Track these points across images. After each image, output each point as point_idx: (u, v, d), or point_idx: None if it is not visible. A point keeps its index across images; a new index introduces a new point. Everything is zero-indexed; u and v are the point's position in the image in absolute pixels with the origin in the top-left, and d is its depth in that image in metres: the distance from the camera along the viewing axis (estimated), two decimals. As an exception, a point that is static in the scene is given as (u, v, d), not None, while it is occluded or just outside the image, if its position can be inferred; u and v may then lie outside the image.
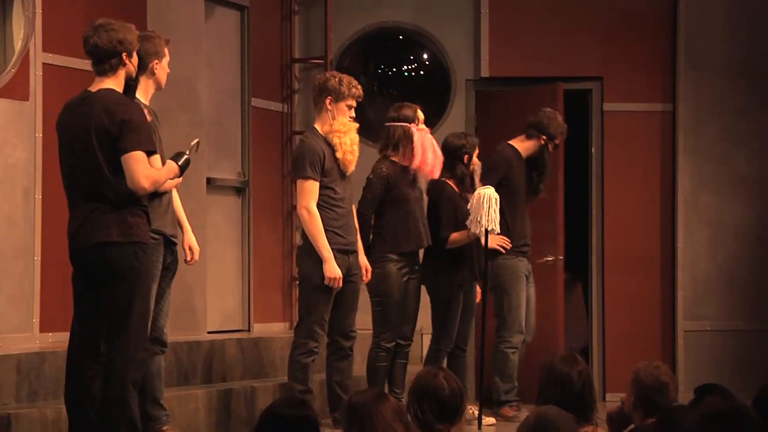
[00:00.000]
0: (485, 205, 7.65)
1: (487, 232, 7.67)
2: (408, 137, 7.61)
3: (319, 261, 7.02)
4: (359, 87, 7.23)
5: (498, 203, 7.69)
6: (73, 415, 5.72)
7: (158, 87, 6.44)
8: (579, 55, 9.66)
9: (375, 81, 9.72)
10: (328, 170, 7.07)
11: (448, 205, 7.84)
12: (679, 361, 9.52)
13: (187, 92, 8.19)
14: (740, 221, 9.69)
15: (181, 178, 6.00)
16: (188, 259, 6.55)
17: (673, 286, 9.63)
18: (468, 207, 7.73)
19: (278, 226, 9.31)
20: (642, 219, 9.67)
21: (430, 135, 7.73)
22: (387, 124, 7.71)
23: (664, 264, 9.66)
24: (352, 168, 7.18)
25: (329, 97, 7.15)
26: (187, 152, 5.94)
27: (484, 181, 8.10)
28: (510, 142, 8.40)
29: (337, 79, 7.20)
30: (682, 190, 9.64)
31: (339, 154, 7.11)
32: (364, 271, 7.35)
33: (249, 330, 8.92)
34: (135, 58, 5.85)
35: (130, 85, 5.90)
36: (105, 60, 5.75)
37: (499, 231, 7.76)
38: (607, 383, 9.57)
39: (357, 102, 7.24)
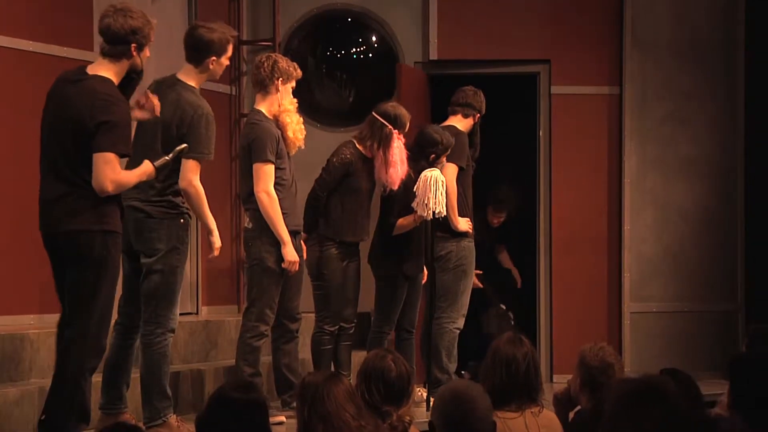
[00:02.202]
0: (432, 188, 7.63)
1: (434, 214, 7.67)
2: (389, 142, 7.58)
3: (271, 244, 7.01)
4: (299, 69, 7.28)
5: (444, 185, 7.70)
6: None
7: (211, 79, 6.58)
8: (527, 37, 9.69)
9: (323, 63, 9.69)
10: (280, 152, 7.08)
11: (403, 192, 7.80)
12: (625, 343, 9.59)
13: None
14: (686, 203, 9.77)
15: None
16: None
17: (620, 268, 9.70)
18: (414, 189, 7.72)
19: (226, 209, 9.28)
20: (589, 201, 9.72)
21: (403, 147, 7.71)
22: (378, 117, 7.66)
23: (611, 246, 9.73)
24: (298, 146, 7.19)
25: (281, 78, 7.14)
26: (169, 156, 5.91)
27: (459, 163, 8.11)
28: (451, 123, 8.38)
29: (285, 61, 7.21)
30: (628, 172, 9.71)
31: (290, 133, 7.12)
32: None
33: (197, 313, 8.90)
34: (146, 53, 5.78)
35: (133, 78, 5.84)
36: (113, 43, 5.68)
37: (445, 213, 7.78)
38: (554, 365, 9.63)
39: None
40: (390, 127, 7.62)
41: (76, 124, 5.57)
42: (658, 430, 3.60)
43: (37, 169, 7.50)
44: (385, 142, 7.60)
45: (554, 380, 9.47)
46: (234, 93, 9.41)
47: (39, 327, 7.14)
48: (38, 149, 7.52)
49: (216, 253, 6.50)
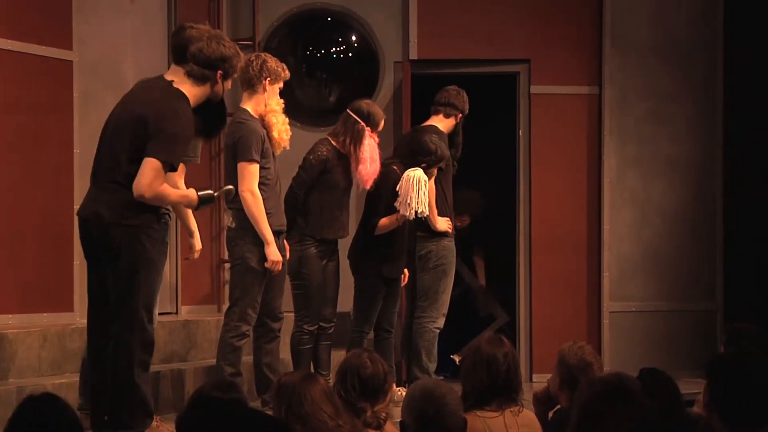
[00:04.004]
0: (415, 187, 7.65)
1: (416, 214, 7.68)
2: (360, 139, 7.59)
3: (254, 244, 7.00)
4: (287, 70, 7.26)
5: (427, 185, 7.72)
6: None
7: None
8: (507, 37, 9.70)
9: (303, 62, 9.68)
10: (265, 151, 7.07)
11: (389, 193, 7.80)
12: (605, 342, 9.61)
13: (112, 72, 8.11)
14: (665, 202, 9.79)
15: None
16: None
17: (599, 268, 9.72)
18: (396, 189, 7.73)
19: (206, 208, 9.26)
20: (569, 200, 9.74)
21: (376, 145, 7.71)
22: (351, 113, 7.66)
23: (591, 245, 9.74)
24: (283, 146, 7.19)
25: (268, 78, 7.13)
26: (216, 192, 5.96)
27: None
28: (432, 123, 8.39)
29: (274, 61, 7.20)
30: (608, 172, 9.73)
31: (275, 134, 7.11)
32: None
33: (176, 313, 8.88)
34: (228, 84, 5.88)
35: (219, 113, 5.92)
36: (201, 66, 5.76)
37: (428, 213, 7.79)
38: (534, 364, 9.64)
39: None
40: (362, 123, 7.63)
41: (138, 124, 5.63)
42: (624, 429, 3.63)
43: (15, 168, 7.52)
44: (357, 139, 7.61)
45: (534, 379, 9.48)
46: (214, 92, 9.38)
47: (18, 327, 7.12)
48: (17, 149, 7.53)
49: (196, 255, 6.52)
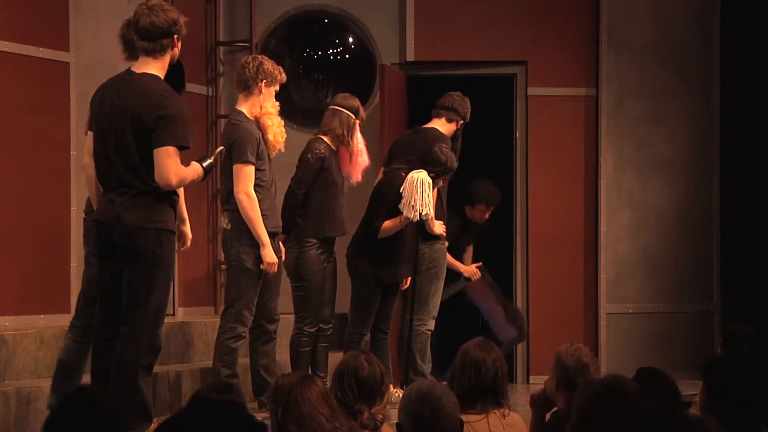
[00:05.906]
0: (419, 189, 7.64)
1: (420, 216, 7.67)
2: (354, 132, 7.62)
3: (249, 245, 7.00)
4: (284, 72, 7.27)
5: (431, 187, 7.70)
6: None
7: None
8: (504, 39, 9.70)
9: (300, 64, 9.69)
10: (260, 153, 7.07)
11: (393, 197, 7.79)
12: (602, 343, 9.61)
13: (110, 74, 8.04)
14: (662, 203, 9.80)
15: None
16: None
17: (596, 269, 9.72)
18: (400, 190, 7.72)
19: (203, 210, 9.26)
20: (566, 202, 9.74)
21: (361, 136, 7.73)
22: (343, 109, 7.67)
23: (588, 246, 9.75)
24: (278, 149, 7.20)
25: (265, 80, 7.13)
26: (211, 158, 5.96)
27: None
28: (434, 125, 8.37)
29: (270, 63, 7.20)
30: (605, 173, 9.73)
31: (270, 136, 7.12)
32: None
33: (173, 314, 8.88)
34: (179, 45, 5.88)
35: (179, 72, 5.92)
36: (158, 39, 5.76)
37: (432, 215, 7.79)
38: (530, 366, 9.64)
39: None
40: (354, 117, 7.66)
41: (134, 123, 5.63)
42: (622, 431, 3.63)
43: (12, 169, 7.52)
44: (352, 132, 7.64)
45: (531, 381, 9.48)
46: (211, 94, 9.40)
47: (15, 328, 7.12)
48: (14, 151, 7.53)
49: (188, 244, 6.48)
